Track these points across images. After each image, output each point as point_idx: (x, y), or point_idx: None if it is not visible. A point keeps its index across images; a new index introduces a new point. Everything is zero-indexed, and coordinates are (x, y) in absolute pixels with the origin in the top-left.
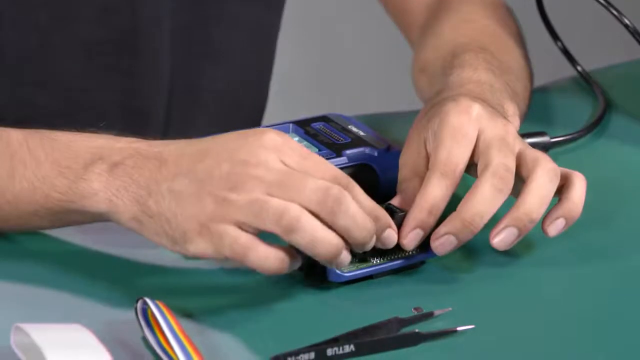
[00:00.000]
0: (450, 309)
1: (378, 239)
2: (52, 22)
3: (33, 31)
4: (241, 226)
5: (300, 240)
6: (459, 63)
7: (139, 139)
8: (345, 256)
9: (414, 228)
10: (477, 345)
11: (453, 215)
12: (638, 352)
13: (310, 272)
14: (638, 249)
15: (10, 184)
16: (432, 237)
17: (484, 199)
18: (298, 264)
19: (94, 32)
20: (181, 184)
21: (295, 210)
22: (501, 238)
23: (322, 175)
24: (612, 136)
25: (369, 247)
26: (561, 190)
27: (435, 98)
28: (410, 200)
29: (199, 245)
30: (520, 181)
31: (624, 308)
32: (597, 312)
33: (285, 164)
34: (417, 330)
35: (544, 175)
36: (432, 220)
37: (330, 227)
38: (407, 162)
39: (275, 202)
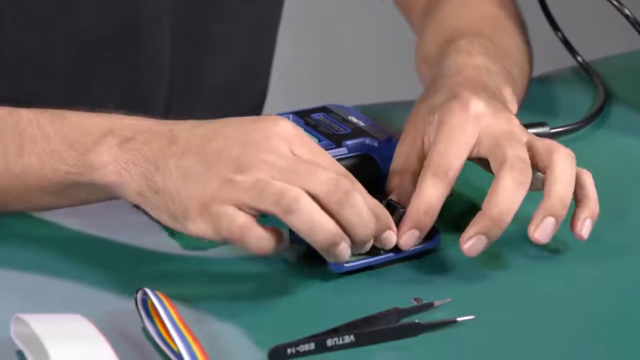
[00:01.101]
0: (450, 299)
1: (377, 239)
2: (53, 18)
3: (34, 27)
4: (242, 207)
5: (298, 222)
6: (454, 49)
7: (150, 118)
8: (345, 248)
9: (410, 228)
10: (477, 336)
11: (480, 215)
12: (638, 345)
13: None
14: (638, 238)
15: (19, 159)
16: (462, 239)
17: (507, 194)
18: (284, 246)
19: (95, 28)
20: (189, 161)
21: (295, 191)
22: (541, 230)
23: (332, 166)
24: (613, 127)
25: (367, 247)
26: (575, 191)
27: (432, 86)
28: (402, 196)
29: (199, 226)
30: (536, 172)
31: (625, 300)
32: (598, 304)
33: (295, 155)
34: (417, 321)
35: (563, 159)
36: (428, 221)
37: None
38: (401, 153)
39: (277, 183)
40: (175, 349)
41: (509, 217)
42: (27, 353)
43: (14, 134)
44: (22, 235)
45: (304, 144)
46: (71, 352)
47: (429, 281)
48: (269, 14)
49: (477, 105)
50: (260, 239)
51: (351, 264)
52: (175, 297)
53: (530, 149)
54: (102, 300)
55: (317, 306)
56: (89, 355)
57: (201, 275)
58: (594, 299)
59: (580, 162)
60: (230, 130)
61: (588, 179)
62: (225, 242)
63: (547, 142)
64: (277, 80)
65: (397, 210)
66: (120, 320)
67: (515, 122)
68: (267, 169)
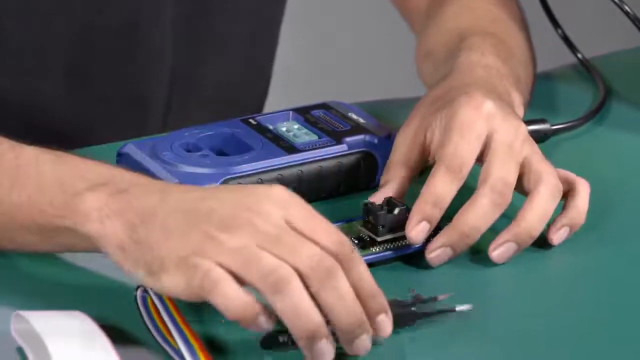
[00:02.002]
0: (450, 294)
1: (372, 322)
2: (53, 9)
3: (34, 18)
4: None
5: (282, 305)
6: (466, 45)
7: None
8: (325, 346)
9: (420, 221)
10: (476, 327)
11: (449, 227)
12: (636, 337)
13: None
14: (637, 234)
15: (9, 195)
16: (428, 248)
17: (481, 213)
18: (268, 326)
19: (96, 24)
20: (177, 217)
21: (287, 271)
22: (500, 252)
23: (327, 237)
24: (613, 123)
25: (357, 335)
26: (566, 197)
27: (443, 82)
28: (398, 188)
29: (173, 278)
30: (521, 187)
31: (623, 294)
32: (597, 298)
33: (290, 222)
34: (413, 309)
35: (547, 192)
36: (437, 213)
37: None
38: (401, 145)
39: (268, 257)
40: (175, 346)
41: (478, 235)
42: (27, 350)
43: (10, 169)
44: None
45: (300, 207)
46: (71, 350)
47: (430, 278)
48: (270, 11)
49: (489, 105)
50: (230, 298)
51: None
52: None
53: (524, 165)
54: (102, 298)
55: None
56: (89, 353)
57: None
58: (594, 294)
59: (581, 158)
60: (225, 194)
61: (583, 189)
62: (197, 299)
63: (542, 166)
64: (277, 77)
65: (397, 208)
66: (121, 317)
67: (523, 131)
68: (254, 234)
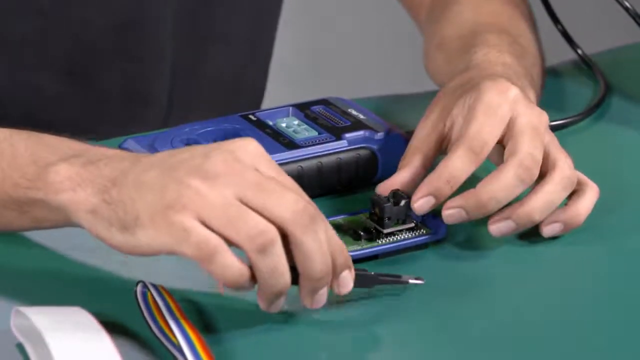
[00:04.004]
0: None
1: (335, 277)
2: (54, 5)
3: (35, 14)
4: (204, 223)
5: (263, 264)
6: (482, 42)
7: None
8: (281, 303)
9: (427, 195)
10: (473, 325)
11: (471, 192)
12: (633, 333)
13: None
14: (636, 230)
15: None
16: (445, 205)
17: (505, 186)
18: (251, 287)
19: (97, 20)
20: (149, 174)
21: (273, 233)
22: (498, 227)
23: (299, 191)
24: (613, 119)
25: (322, 286)
26: (571, 195)
27: (464, 75)
28: (410, 175)
29: (150, 233)
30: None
31: (621, 290)
32: (594, 293)
33: (262, 173)
34: (372, 273)
35: (559, 181)
36: (447, 190)
37: (291, 252)
38: (421, 133)
39: (254, 216)
40: (175, 341)
41: (496, 207)
42: (27, 346)
43: None
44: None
45: (271, 163)
46: (71, 345)
47: (434, 271)
48: (269, 5)
49: (514, 91)
50: (229, 266)
51: (356, 253)
52: (175, 290)
53: (543, 152)
54: (102, 293)
55: None
56: (89, 348)
57: (200, 268)
58: (592, 289)
59: (581, 154)
60: (198, 148)
61: (590, 193)
62: (172, 254)
63: (559, 154)
64: (276, 73)
65: (403, 200)
66: (120, 313)
67: (545, 120)
68: (233, 182)
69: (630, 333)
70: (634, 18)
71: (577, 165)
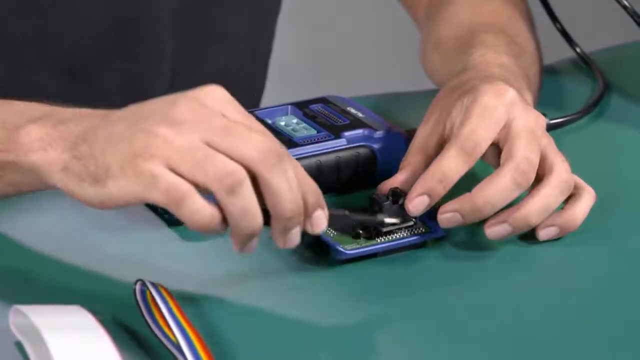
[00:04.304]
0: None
1: (308, 218)
2: (54, 4)
3: (34, 13)
4: (172, 170)
5: (233, 205)
6: (480, 43)
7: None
8: (254, 245)
9: (422, 194)
10: (471, 324)
11: (467, 196)
12: (632, 333)
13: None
14: (636, 228)
15: None
16: (441, 209)
17: (501, 190)
18: (223, 230)
19: (96, 14)
20: (118, 127)
21: (242, 173)
22: (494, 230)
23: (266, 133)
24: (611, 117)
25: (293, 225)
26: (568, 199)
27: (462, 76)
28: (411, 177)
29: (121, 183)
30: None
31: (621, 289)
32: (593, 293)
33: (229, 118)
34: (346, 213)
35: (556, 185)
36: (441, 190)
37: (261, 192)
38: (421, 135)
39: (221, 157)
40: (174, 340)
41: (492, 211)
42: (26, 344)
43: None
44: (22, 226)
45: (238, 108)
46: (70, 344)
47: (434, 270)
48: (268, 3)
49: (511, 93)
50: (197, 210)
51: (355, 251)
52: (174, 289)
53: (540, 155)
54: (101, 292)
55: (319, 294)
56: (88, 347)
57: (201, 267)
58: (590, 284)
59: (579, 152)
60: (165, 98)
61: (587, 197)
62: (139, 203)
63: (556, 158)
64: (275, 71)
65: (402, 198)
66: (119, 311)
67: (542, 122)
68: (199, 128)
69: (629, 333)
70: (632, 16)
71: (576, 164)
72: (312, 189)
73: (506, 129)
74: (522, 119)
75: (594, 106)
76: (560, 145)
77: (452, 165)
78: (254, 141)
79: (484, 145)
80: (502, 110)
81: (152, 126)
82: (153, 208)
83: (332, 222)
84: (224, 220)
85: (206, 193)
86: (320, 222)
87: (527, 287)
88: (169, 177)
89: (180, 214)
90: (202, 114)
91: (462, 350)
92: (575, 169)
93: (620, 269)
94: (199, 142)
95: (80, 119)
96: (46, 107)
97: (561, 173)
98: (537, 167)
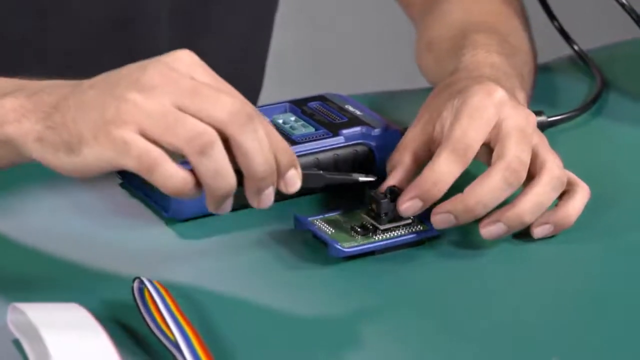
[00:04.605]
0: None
1: (281, 177)
2: (53, 4)
3: (32, 11)
4: (144, 135)
5: (204, 165)
6: (471, 43)
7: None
8: (228, 205)
9: (414, 197)
10: (467, 321)
11: (459, 197)
12: (629, 330)
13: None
14: (633, 226)
15: None
16: (434, 210)
17: (492, 189)
18: (198, 194)
19: (93, 13)
20: (88, 94)
21: (212, 134)
22: (489, 230)
23: (235, 94)
24: (609, 115)
25: (267, 185)
26: (562, 196)
27: (452, 77)
28: (401, 173)
29: (95, 150)
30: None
31: (617, 287)
32: (590, 290)
33: (198, 80)
34: (320, 172)
35: (548, 182)
36: (434, 194)
37: (232, 153)
38: (410, 134)
39: (191, 119)
40: (172, 337)
41: (484, 211)
42: (23, 342)
43: None
44: (19, 225)
45: (207, 71)
46: (68, 341)
47: (431, 268)
48: (265, 1)
49: (500, 93)
50: (171, 176)
51: (352, 249)
52: (172, 286)
53: (532, 152)
54: (99, 290)
55: (317, 292)
56: (86, 345)
57: (199, 265)
58: (587, 281)
59: (577, 149)
60: (134, 65)
61: (581, 193)
62: (119, 168)
63: (548, 155)
64: (273, 69)
65: (399, 196)
66: (117, 309)
67: (532, 120)
68: (168, 91)
69: (626, 330)
70: (629, 14)
71: (573, 162)
72: (284, 148)
73: (497, 129)
74: (512, 119)
75: (592, 104)
76: (557, 143)
77: (445, 168)
78: (224, 102)
79: (476, 146)
80: (492, 110)
81: (123, 92)
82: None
83: (306, 181)
84: (198, 184)
85: (179, 158)
86: (293, 181)
87: (523, 285)
88: (140, 144)
89: (153, 179)
90: (171, 78)
91: (459, 347)
92: (572, 167)
93: (616, 267)
94: (169, 105)
95: (52, 89)
96: (18, 80)
97: (553, 170)
98: (528, 165)
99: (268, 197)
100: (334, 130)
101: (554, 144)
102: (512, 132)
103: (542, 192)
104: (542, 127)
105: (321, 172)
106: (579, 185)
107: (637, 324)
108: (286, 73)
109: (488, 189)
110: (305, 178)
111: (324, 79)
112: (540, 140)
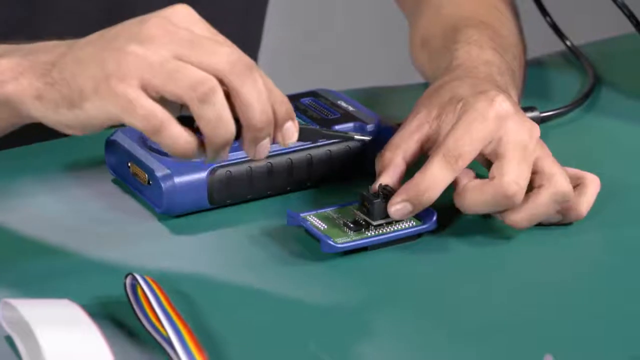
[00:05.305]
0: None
1: (277, 132)
2: None
3: (19, 3)
4: (146, 87)
5: (207, 113)
6: (464, 38)
7: None
8: (226, 153)
9: (405, 201)
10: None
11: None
12: (626, 326)
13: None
14: (626, 221)
15: None
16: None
17: (483, 208)
18: (200, 156)
19: (82, 4)
20: (87, 50)
21: (213, 82)
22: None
23: (233, 46)
24: (601, 110)
25: (264, 136)
26: (573, 189)
27: (448, 75)
28: (391, 172)
29: (97, 104)
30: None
31: (614, 280)
32: (588, 283)
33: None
34: (317, 127)
35: (550, 197)
36: (424, 199)
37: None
38: (404, 131)
39: (192, 68)
40: (164, 333)
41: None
42: (15, 338)
43: None
44: (10, 221)
45: (205, 25)
46: (60, 337)
47: (425, 263)
48: None
49: (504, 105)
50: (177, 138)
51: (345, 245)
52: (165, 283)
53: (535, 166)
54: (91, 286)
55: (309, 287)
56: (79, 341)
57: (191, 261)
58: (585, 274)
59: (570, 145)
60: (131, 20)
61: (591, 187)
62: (120, 123)
63: (554, 169)
64: (265, 65)
65: (391, 195)
66: (110, 305)
67: (536, 134)
68: (168, 43)
69: (623, 326)
70: (621, 9)
71: (566, 157)
72: (282, 100)
73: (496, 143)
74: (514, 134)
75: (585, 99)
76: (550, 138)
77: (437, 173)
78: (223, 52)
79: (468, 156)
80: (492, 123)
81: (122, 45)
82: None
83: (303, 135)
84: (201, 145)
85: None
86: (290, 133)
87: (518, 278)
88: (145, 103)
89: (159, 140)
90: (170, 30)
91: (452, 341)
92: (565, 162)
93: (612, 260)
94: (169, 56)
95: (48, 48)
96: (11, 45)
97: (557, 185)
98: (526, 186)
99: (264, 148)
100: (326, 126)
101: (546, 139)
102: (512, 151)
103: (544, 204)
104: (535, 122)
105: (318, 127)
106: (588, 178)
107: (632, 319)
108: (278, 69)
109: (480, 207)
110: (301, 132)
111: (316, 74)
112: (543, 153)
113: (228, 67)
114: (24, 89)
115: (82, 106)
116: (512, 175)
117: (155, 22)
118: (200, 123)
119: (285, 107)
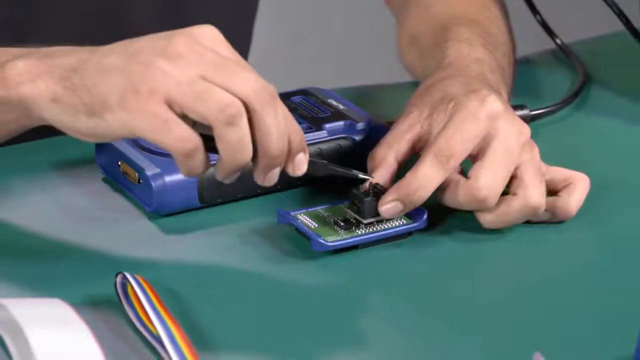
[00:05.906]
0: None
1: (290, 159)
2: None
3: (16, 3)
4: (171, 104)
5: (230, 136)
6: (454, 36)
7: None
8: (237, 175)
9: (396, 200)
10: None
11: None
12: (621, 323)
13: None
14: (616, 219)
15: None
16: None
17: (457, 206)
18: (202, 174)
19: (79, 4)
20: (110, 59)
21: (240, 106)
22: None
23: (256, 74)
24: (591, 108)
25: (277, 164)
26: (563, 189)
27: (440, 74)
28: (382, 171)
29: (118, 116)
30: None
31: (603, 275)
32: (579, 279)
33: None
34: (324, 162)
35: (519, 209)
36: (415, 199)
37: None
38: (396, 130)
39: (222, 91)
40: (154, 332)
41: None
42: (5, 338)
43: None
44: (1, 219)
45: (229, 48)
46: (51, 337)
47: (415, 261)
48: None
49: (495, 104)
50: (205, 162)
51: (335, 243)
52: (155, 281)
53: (517, 170)
54: (81, 285)
55: (300, 286)
56: (69, 340)
57: (182, 260)
58: (575, 271)
59: (559, 143)
60: (157, 34)
61: (580, 186)
62: (141, 138)
63: (533, 182)
64: (255, 63)
65: (382, 194)
66: (100, 304)
67: (526, 135)
68: (195, 62)
69: (612, 321)
70: (611, 8)
71: (556, 155)
72: (298, 131)
73: (484, 142)
74: (502, 136)
75: (574, 97)
76: (540, 136)
77: (429, 173)
78: (249, 78)
79: (459, 156)
80: (482, 122)
81: (149, 58)
82: None
83: (311, 168)
84: (211, 166)
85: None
86: (301, 164)
87: (509, 274)
88: (183, 127)
89: (186, 163)
90: (197, 50)
91: (445, 339)
92: (554, 160)
93: (601, 258)
94: (196, 76)
95: (66, 52)
96: (27, 48)
97: (532, 196)
98: (501, 190)
99: (274, 176)
100: (317, 124)
101: (536, 138)
102: (495, 153)
103: (514, 214)
104: (524, 120)
105: (325, 162)
106: (577, 177)
107: (621, 317)
108: (268, 69)
109: (454, 205)
110: (310, 164)
111: (306, 73)
112: (529, 159)
113: (253, 94)
114: (40, 92)
115: (103, 116)
116: (486, 180)
117: (182, 40)
118: (221, 145)
119: (299, 138)
